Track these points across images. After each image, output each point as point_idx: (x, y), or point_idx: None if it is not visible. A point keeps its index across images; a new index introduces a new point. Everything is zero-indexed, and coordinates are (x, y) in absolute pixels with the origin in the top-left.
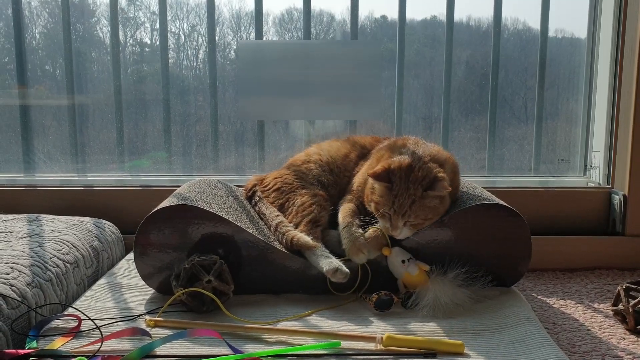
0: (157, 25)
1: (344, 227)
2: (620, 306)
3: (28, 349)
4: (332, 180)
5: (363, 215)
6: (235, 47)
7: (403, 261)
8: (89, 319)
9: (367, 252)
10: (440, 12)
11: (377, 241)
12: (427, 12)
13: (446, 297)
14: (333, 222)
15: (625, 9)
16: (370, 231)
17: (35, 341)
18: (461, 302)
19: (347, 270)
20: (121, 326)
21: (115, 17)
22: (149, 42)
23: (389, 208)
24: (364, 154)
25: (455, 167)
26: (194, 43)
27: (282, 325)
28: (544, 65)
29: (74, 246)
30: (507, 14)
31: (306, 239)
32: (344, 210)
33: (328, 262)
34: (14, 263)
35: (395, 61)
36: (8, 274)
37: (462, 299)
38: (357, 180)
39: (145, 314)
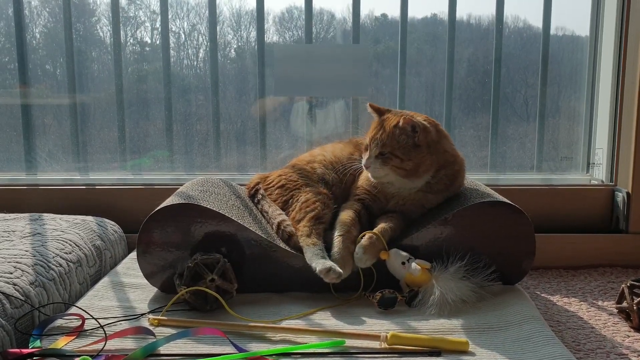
0: (157, 25)
1: (339, 235)
2: (625, 304)
3: (32, 348)
4: (337, 179)
5: (365, 217)
6: (235, 46)
7: (403, 263)
8: (93, 318)
9: (350, 268)
10: (441, 10)
11: (373, 248)
12: (427, 10)
13: (452, 294)
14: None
15: (628, 6)
16: (365, 238)
17: (38, 340)
18: (466, 297)
19: (340, 270)
20: (125, 325)
21: (116, 16)
22: (149, 41)
23: (369, 136)
24: None
25: (462, 163)
26: (194, 42)
27: (286, 323)
28: (546, 63)
29: (77, 245)
30: (507, 11)
31: (304, 236)
32: (344, 217)
33: (321, 262)
34: (17, 262)
35: (397, 59)
36: (11, 273)
37: (467, 293)
38: (364, 175)
39: (149, 312)
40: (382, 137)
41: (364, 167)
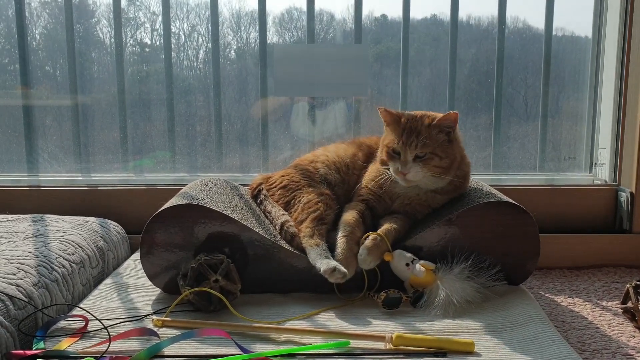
0: (157, 26)
1: (342, 236)
2: (630, 304)
3: (35, 349)
4: (339, 179)
5: (369, 218)
6: (235, 47)
7: (407, 264)
8: (97, 319)
9: (354, 269)
10: (441, 10)
11: (377, 249)
12: (427, 11)
13: (457, 295)
14: (338, 222)
15: (632, 6)
16: (370, 239)
17: (42, 342)
18: (471, 298)
19: (345, 270)
20: (128, 326)
21: (118, 17)
22: (149, 42)
23: (398, 141)
24: (371, 153)
25: (469, 164)
26: (194, 43)
27: (290, 324)
28: (548, 63)
29: (80, 246)
30: (507, 12)
31: (307, 237)
32: (347, 217)
33: (326, 262)
34: (19, 263)
35: (397, 59)
36: (14, 275)
37: (472, 293)
38: (368, 175)
39: (153, 313)
40: (420, 139)
41: (400, 174)
